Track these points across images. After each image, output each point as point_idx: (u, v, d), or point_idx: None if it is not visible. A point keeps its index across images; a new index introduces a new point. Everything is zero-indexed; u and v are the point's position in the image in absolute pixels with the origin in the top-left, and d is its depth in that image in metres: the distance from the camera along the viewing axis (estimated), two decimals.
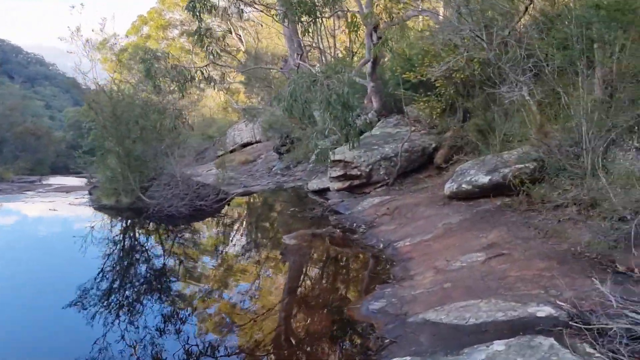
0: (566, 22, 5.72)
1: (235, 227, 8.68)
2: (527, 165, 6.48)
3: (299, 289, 5.28)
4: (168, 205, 8.77)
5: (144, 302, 5.12)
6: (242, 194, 11.43)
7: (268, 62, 20.90)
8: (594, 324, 3.28)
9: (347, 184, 9.82)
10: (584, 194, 5.06)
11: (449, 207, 7.27)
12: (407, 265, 5.63)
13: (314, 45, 15.52)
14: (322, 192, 10.61)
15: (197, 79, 8.60)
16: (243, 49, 24.79)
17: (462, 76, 8.35)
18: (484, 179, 6.84)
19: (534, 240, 5.36)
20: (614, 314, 3.34)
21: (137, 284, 5.82)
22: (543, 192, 6.30)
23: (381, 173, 9.71)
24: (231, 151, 24.01)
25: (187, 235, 8.26)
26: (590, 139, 5.52)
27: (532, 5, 8.18)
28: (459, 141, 9.22)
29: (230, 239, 7.69)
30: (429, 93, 9.23)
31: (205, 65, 8.83)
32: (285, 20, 12.13)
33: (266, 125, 17.10)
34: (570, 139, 6.15)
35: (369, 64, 11.15)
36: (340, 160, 9.69)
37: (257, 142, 23.19)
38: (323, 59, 15.18)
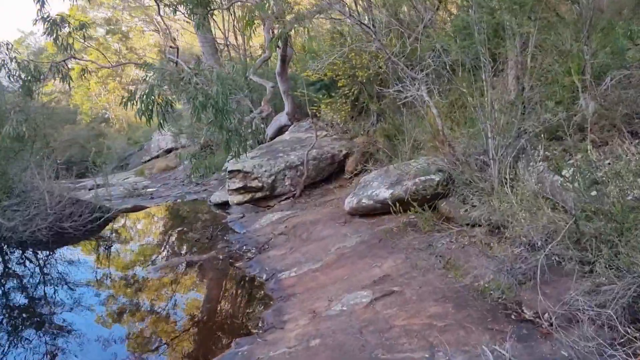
0: (468, 10, 4.82)
1: (99, 256, 7.17)
2: (431, 177, 5.55)
3: (127, 348, 3.99)
4: (23, 229, 7.19)
5: None
6: (132, 210, 9.89)
7: (185, 62, 19.32)
8: None
9: (248, 197, 8.60)
10: (485, 216, 4.14)
11: (348, 226, 6.24)
12: (284, 306, 4.51)
13: (225, 43, 14.24)
14: (225, 205, 9.32)
15: (51, 76, 7.11)
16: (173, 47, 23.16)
17: (365, 74, 7.33)
18: (386, 193, 5.85)
19: (432, 272, 4.38)
20: None
21: None
22: (449, 209, 5.40)
23: (286, 184, 8.57)
24: (156, 157, 22.55)
25: (23, 270, 6.65)
26: (497, 148, 4.65)
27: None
28: (370, 147, 8.27)
29: (80, 273, 6.21)
30: (332, 94, 8.17)
31: (63, 61, 7.33)
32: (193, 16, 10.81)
33: (176, 131, 15.49)
34: (480, 146, 5.29)
35: (278, 62, 9.99)
36: (238, 171, 8.46)
37: (182, 147, 21.84)
38: (230, 56, 13.90)
